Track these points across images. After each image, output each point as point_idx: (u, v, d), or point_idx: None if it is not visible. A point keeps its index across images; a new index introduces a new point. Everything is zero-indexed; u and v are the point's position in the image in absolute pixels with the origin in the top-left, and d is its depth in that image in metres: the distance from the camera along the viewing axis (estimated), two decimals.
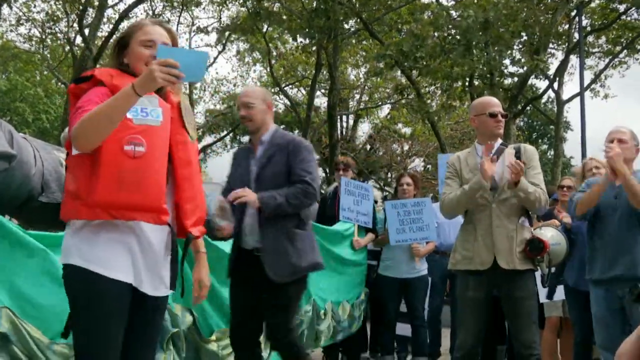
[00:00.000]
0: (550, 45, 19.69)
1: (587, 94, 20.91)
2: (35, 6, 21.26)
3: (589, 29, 19.45)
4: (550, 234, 4.70)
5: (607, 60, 21.49)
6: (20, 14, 21.65)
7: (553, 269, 4.88)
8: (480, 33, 14.36)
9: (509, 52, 16.20)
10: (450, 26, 15.51)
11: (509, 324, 4.68)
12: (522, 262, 4.23)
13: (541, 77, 18.93)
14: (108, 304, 2.46)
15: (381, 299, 6.57)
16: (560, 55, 20.93)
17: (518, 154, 4.34)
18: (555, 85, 20.47)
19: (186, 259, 2.79)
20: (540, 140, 36.07)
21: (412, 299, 6.41)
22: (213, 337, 4.30)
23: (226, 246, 4.20)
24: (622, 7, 18.71)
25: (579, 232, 5.10)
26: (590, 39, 20.62)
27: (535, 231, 4.58)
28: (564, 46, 19.88)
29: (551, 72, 19.32)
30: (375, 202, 7.53)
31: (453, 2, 18.05)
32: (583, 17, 16.96)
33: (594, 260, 4.66)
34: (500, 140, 4.46)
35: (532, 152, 4.44)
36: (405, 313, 6.46)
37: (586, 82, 18.89)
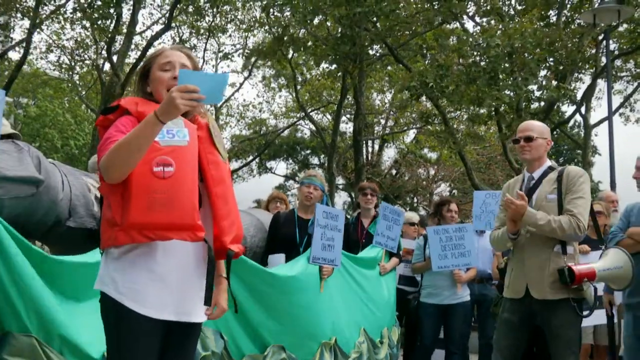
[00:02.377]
0: (577, 70, 19.51)
1: (617, 119, 20.70)
2: (64, 34, 21.63)
3: (616, 52, 19.26)
4: (602, 262, 4.38)
5: (635, 84, 21.28)
6: (50, 41, 22.09)
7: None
8: (507, 60, 14.24)
9: (534, 80, 15.99)
10: (475, 53, 15.38)
11: (550, 352, 4.58)
12: (555, 291, 4.14)
13: (568, 102, 18.73)
14: (137, 337, 2.47)
15: (421, 326, 6.54)
16: (587, 80, 20.77)
17: (560, 178, 4.25)
18: (583, 109, 20.27)
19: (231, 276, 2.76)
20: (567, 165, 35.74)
21: (452, 324, 6.37)
22: None
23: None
24: None
25: None
26: (618, 62, 20.43)
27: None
28: (591, 70, 19.68)
29: (578, 96, 19.14)
30: (413, 224, 7.53)
31: (478, 28, 18.00)
32: (610, 41, 16.74)
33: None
34: (548, 163, 4.39)
35: (574, 175, 4.24)
36: (441, 339, 6.40)
37: (615, 106, 18.67)
